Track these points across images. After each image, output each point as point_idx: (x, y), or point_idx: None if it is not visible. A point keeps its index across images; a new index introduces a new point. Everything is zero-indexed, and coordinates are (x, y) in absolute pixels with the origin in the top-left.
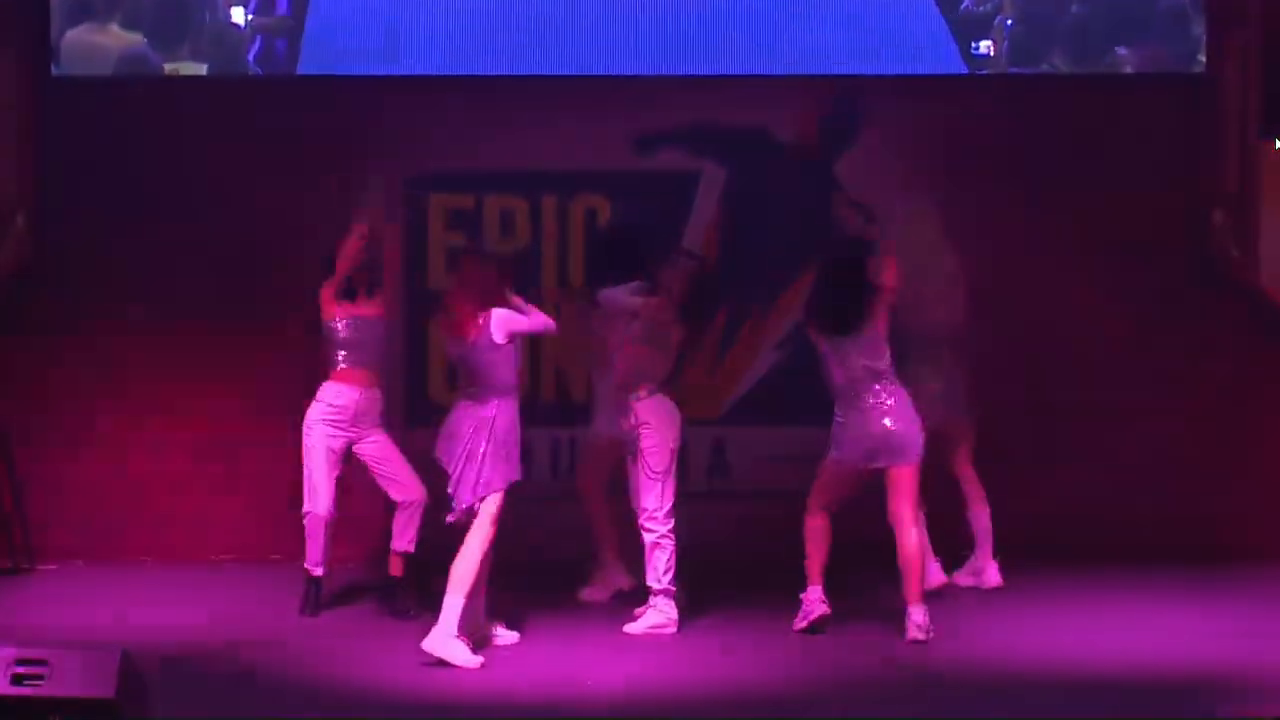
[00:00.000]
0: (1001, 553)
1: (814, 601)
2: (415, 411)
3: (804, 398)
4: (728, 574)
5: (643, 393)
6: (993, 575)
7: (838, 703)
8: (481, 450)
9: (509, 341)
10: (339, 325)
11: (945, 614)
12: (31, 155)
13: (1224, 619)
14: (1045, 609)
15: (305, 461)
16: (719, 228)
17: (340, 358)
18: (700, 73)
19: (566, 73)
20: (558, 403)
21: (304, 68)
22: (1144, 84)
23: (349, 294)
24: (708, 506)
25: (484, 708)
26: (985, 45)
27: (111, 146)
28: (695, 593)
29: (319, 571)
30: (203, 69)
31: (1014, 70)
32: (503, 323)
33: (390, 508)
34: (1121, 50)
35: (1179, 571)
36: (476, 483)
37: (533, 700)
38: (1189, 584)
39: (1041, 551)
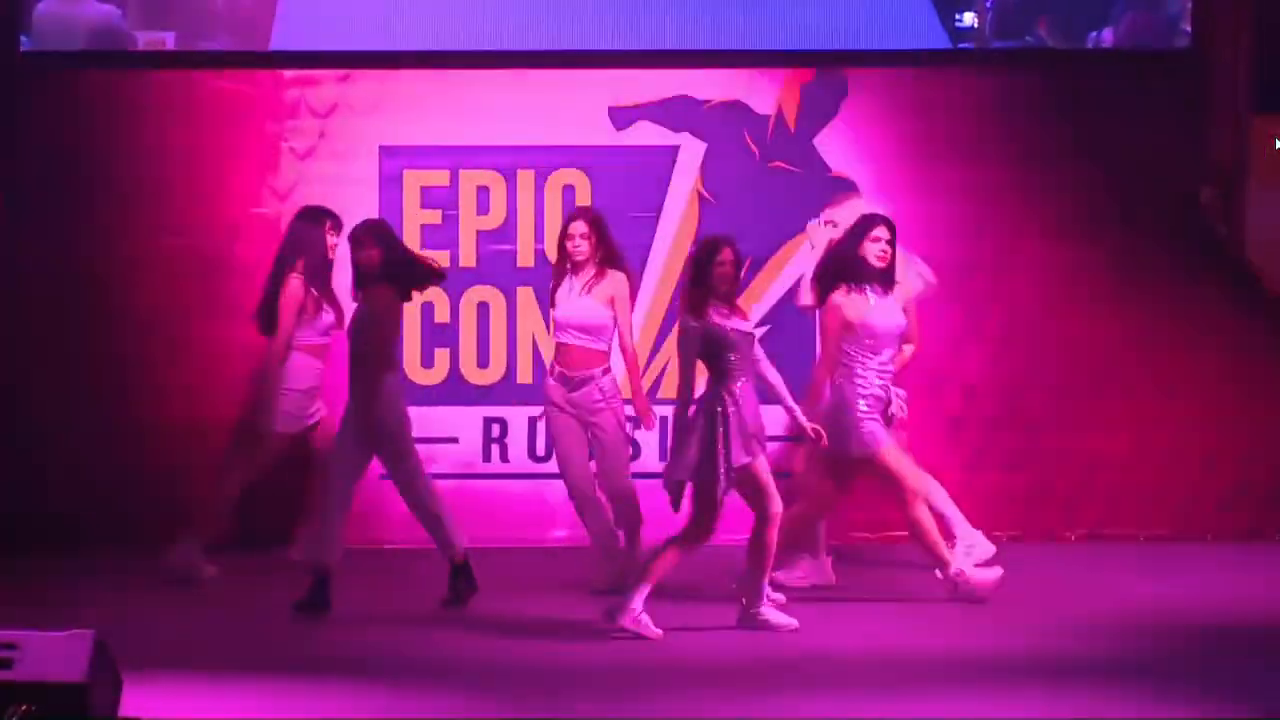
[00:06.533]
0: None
1: None
2: None
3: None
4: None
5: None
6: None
7: None
8: None
9: None
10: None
11: None
12: (2, 132)
13: None
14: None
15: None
16: (697, 204)
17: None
18: (677, 47)
19: (542, 47)
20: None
21: (277, 43)
22: (1130, 58)
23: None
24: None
25: None
26: (969, 18)
27: (83, 121)
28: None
29: None
30: (173, 42)
31: (997, 44)
32: None
33: None
34: (1105, 23)
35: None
36: None
37: None
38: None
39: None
